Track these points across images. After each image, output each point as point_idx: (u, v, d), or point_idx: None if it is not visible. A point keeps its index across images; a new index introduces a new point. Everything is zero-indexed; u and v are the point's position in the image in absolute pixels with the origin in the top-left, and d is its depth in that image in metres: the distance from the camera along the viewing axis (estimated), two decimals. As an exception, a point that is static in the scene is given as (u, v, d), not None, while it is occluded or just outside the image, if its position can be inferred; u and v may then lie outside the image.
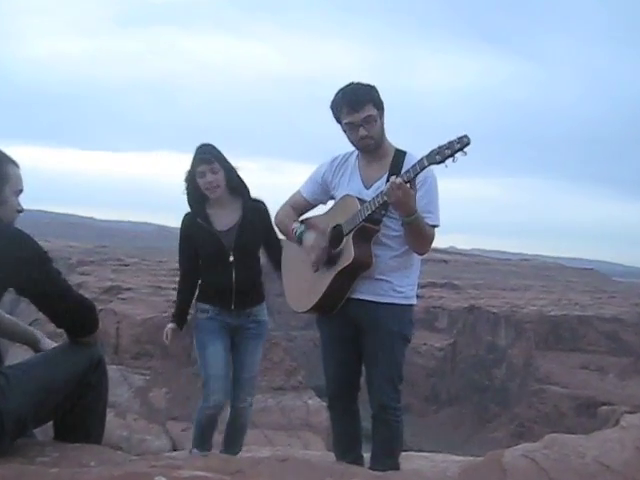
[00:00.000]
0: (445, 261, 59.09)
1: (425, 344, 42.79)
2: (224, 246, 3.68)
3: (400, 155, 3.23)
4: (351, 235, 3.15)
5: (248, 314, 3.74)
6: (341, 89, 3.18)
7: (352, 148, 3.29)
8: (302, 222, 3.41)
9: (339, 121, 3.21)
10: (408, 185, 2.93)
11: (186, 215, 3.77)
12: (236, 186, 3.73)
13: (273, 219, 3.54)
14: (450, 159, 2.82)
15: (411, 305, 3.29)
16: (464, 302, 44.82)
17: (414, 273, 3.31)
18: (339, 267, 3.17)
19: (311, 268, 3.29)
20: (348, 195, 3.22)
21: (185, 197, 3.76)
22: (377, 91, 3.18)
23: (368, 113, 3.12)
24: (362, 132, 3.15)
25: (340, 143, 3.24)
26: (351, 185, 3.27)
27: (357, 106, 3.11)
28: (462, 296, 46.13)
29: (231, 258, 3.66)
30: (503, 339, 42.80)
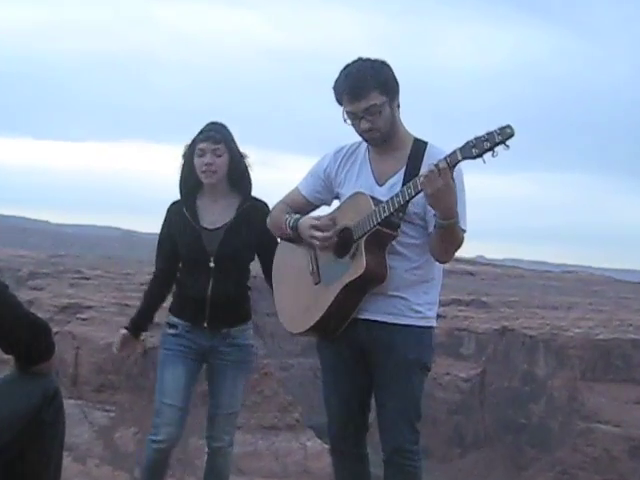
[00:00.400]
0: (472, 273, 59.07)
1: (448, 374, 42.66)
2: (205, 248, 3.68)
3: (420, 146, 3.26)
4: (363, 241, 3.16)
5: (225, 335, 3.73)
6: (344, 68, 3.20)
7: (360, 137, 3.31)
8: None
9: (342, 106, 3.24)
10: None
11: (173, 203, 3.81)
12: (238, 179, 3.75)
13: (267, 220, 3.54)
14: (489, 153, 2.85)
15: (431, 327, 3.32)
16: (495, 323, 44.67)
17: (435, 289, 3.33)
18: (346, 279, 3.18)
19: (310, 279, 3.31)
20: (360, 193, 3.24)
21: (178, 182, 3.79)
22: (389, 70, 3.20)
23: (371, 102, 3.14)
24: (364, 125, 3.18)
25: (347, 131, 3.24)
26: (360, 181, 3.29)
27: (358, 94, 3.14)
28: (492, 316, 45.99)
29: (211, 264, 3.67)
30: (542, 368, 42.70)
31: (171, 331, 3.76)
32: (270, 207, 3.68)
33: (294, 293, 3.39)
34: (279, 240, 3.52)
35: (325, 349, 3.38)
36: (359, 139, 3.31)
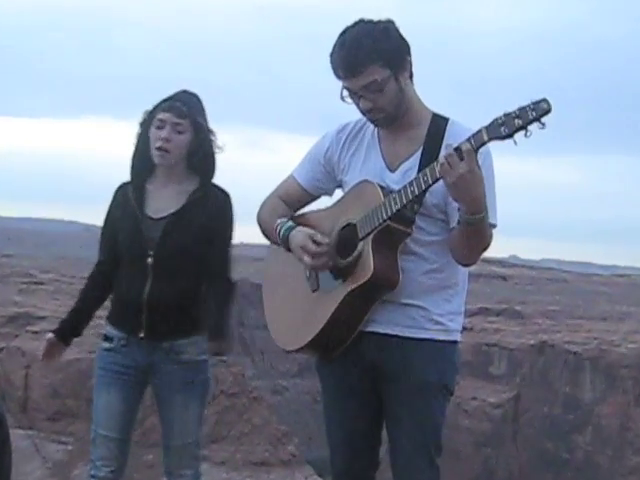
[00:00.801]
0: (504, 277, 59.18)
1: (475, 398, 42.59)
2: (144, 240, 3.70)
3: (440, 123, 3.27)
4: (370, 239, 3.18)
5: (167, 349, 3.73)
6: (341, 34, 3.21)
7: (367, 115, 3.33)
8: (295, 217, 3.43)
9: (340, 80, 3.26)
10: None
11: (122, 184, 3.83)
12: (200, 162, 3.76)
13: (256, 218, 3.54)
14: (521, 132, 2.86)
15: (454, 342, 3.32)
16: (531, 337, 44.57)
17: (458, 296, 3.34)
18: (351, 285, 3.19)
19: (307, 286, 3.32)
20: (366, 181, 3.25)
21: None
22: (394, 36, 3.20)
23: (370, 79, 3.15)
24: (364, 104, 3.20)
25: (352, 107, 3.25)
26: (368, 166, 3.30)
27: (354, 69, 3.16)
28: (528, 328, 45.89)
29: (149, 260, 3.69)
30: (588, 391, 42.64)
31: (105, 345, 3.79)
32: (232, 200, 3.76)
33: (288, 303, 3.40)
34: (269, 243, 3.52)
35: (326, 369, 3.38)
36: None
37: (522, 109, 2.85)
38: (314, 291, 3.31)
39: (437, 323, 3.26)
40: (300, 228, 3.31)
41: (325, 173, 3.41)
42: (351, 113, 3.32)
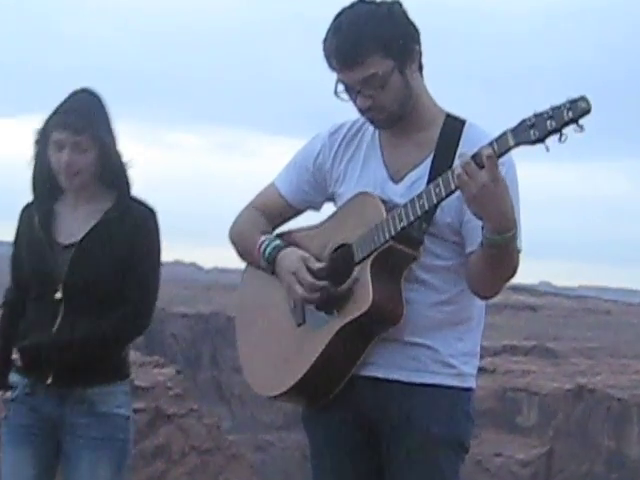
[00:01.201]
0: (533, 308, 59.38)
1: (499, 455, 42.43)
2: (52, 272, 3.72)
3: (454, 125, 3.27)
4: (368, 263, 3.18)
5: (80, 399, 3.71)
6: (336, 17, 3.21)
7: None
8: (278, 236, 3.43)
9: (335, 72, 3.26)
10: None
11: (25, 207, 3.88)
12: (111, 177, 3.78)
13: (229, 234, 3.54)
14: (554, 136, 2.85)
15: (469, 389, 3.32)
16: (566, 381, 44.48)
17: (473, 333, 3.34)
18: (344, 318, 3.18)
19: (291, 318, 3.32)
20: (364, 193, 3.24)
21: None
22: (400, 19, 3.20)
23: (370, 71, 3.16)
24: (361, 102, 3.20)
25: (348, 104, 3.24)
26: (367, 176, 3.30)
27: (350, 60, 3.16)
28: (562, 370, 45.80)
29: (58, 294, 3.70)
30: (635, 446, 42.57)
31: (9, 395, 3.77)
32: (157, 216, 3.76)
33: (267, 339, 3.40)
34: (245, 266, 3.52)
35: (314, 420, 3.38)
36: None
37: (556, 109, 2.83)
38: (299, 325, 3.30)
39: (448, 366, 3.24)
40: (292, 249, 3.31)
41: (314, 183, 3.41)
42: (347, 111, 3.31)
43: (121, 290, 3.71)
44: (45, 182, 3.79)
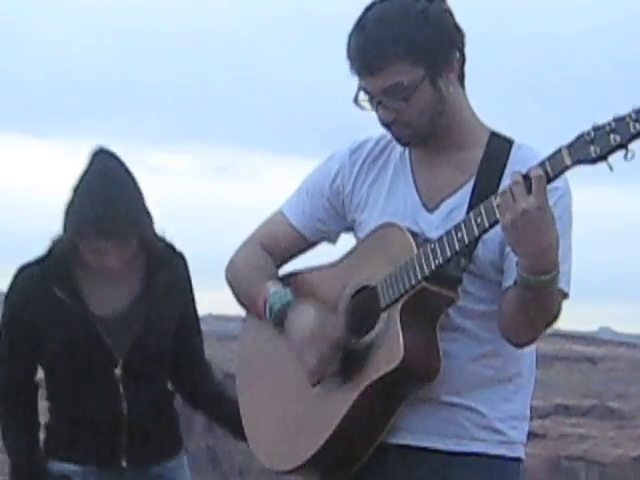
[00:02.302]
0: (592, 361, 59.26)
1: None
2: (107, 347, 3.70)
3: (500, 145, 3.13)
4: (398, 309, 3.01)
5: (155, 477, 3.75)
6: (362, 14, 3.07)
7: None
8: (285, 278, 3.27)
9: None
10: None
11: (26, 274, 3.75)
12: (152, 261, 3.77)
13: (225, 275, 3.38)
14: (620, 152, 2.70)
15: (518, 459, 3.14)
16: (631, 447, 44.50)
17: (523, 392, 3.18)
18: (371, 376, 3.00)
19: (304, 377, 3.15)
20: (391, 224, 3.07)
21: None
22: (435, 17, 3.02)
23: (393, 80, 3.00)
24: (384, 114, 3.05)
25: (370, 117, 3.03)
26: (395, 203, 3.15)
27: (372, 64, 3.03)
28: (628, 434, 45.86)
29: (117, 371, 3.70)
30: None
31: None
32: (186, 259, 3.82)
33: (276, 401, 3.26)
34: (244, 315, 3.40)
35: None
36: None
37: (620, 120, 2.69)
38: (314, 385, 3.12)
39: (494, 431, 3.08)
40: (306, 306, 3.15)
41: (330, 209, 3.23)
42: (369, 128, 3.17)
43: (175, 354, 3.81)
44: (62, 247, 3.69)
